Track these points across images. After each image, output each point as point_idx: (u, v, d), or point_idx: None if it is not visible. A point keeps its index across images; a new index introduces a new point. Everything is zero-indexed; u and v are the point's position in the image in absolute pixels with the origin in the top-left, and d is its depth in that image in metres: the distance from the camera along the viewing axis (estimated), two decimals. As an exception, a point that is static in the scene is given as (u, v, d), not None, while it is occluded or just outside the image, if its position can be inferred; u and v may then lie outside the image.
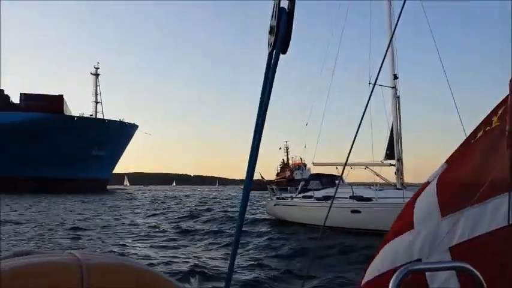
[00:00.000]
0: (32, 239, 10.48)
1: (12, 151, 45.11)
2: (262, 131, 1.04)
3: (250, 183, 1.08)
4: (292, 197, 14.48)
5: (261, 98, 1.05)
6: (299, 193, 14.55)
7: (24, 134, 45.13)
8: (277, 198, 15.13)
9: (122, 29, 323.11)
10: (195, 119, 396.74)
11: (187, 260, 7.82)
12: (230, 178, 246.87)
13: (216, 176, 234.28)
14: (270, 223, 14.39)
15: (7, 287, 0.73)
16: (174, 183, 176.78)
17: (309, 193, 13.62)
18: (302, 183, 15.44)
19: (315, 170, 16.30)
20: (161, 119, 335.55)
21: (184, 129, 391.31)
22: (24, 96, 49.66)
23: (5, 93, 49.99)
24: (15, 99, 50.36)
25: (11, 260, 0.81)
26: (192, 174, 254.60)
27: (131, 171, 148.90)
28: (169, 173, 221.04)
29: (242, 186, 1.15)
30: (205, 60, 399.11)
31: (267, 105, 1.05)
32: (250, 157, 1.06)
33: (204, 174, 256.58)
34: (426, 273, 1.37)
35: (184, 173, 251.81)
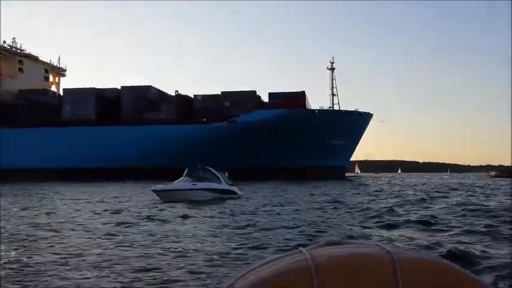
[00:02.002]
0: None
1: (263, 144, 51.61)
2: None
3: None
4: None
5: None
6: None
7: (272, 129, 51.15)
8: None
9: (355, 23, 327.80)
10: (428, 104, 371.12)
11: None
12: (463, 164, 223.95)
13: (446, 162, 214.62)
14: None
15: (326, 274, 0.79)
16: (399, 171, 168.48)
17: None
18: None
19: None
20: (392, 106, 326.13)
21: (416, 114, 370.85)
22: (271, 95, 56.16)
23: (257, 94, 57.53)
24: (265, 98, 57.41)
25: (324, 248, 0.87)
26: (421, 161, 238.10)
27: (360, 159, 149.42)
28: (394, 160, 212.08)
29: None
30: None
31: None
32: None
33: (434, 161, 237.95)
34: None
35: (412, 160, 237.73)
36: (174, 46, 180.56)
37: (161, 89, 61.74)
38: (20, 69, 67.68)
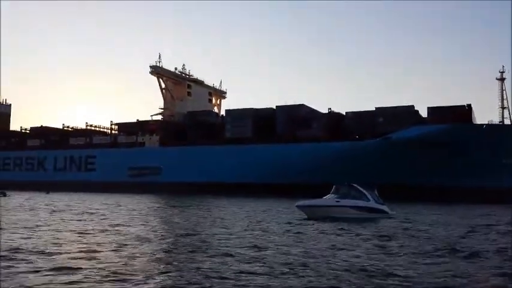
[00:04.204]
0: None
1: (420, 162, 48.11)
2: None
3: None
4: None
5: None
6: None
7: (432, 146, 47.43)
8: None
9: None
10: None
11: None
12: None
13: None
14: None
15: None
16: None
17: None
18: None
19: None
20: None
21: None
22: (431, 110, 52.41)
23: (415, 108, 54.30)
24: (423, 113, 53.89)
25: None
26: None
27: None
28: None
29: None
30: None
31: None
32: None
33: None
34: None
35: None
36: (326, 66, 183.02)
37: (314, 108, 62.63)
38: (189, 93, 75.78)
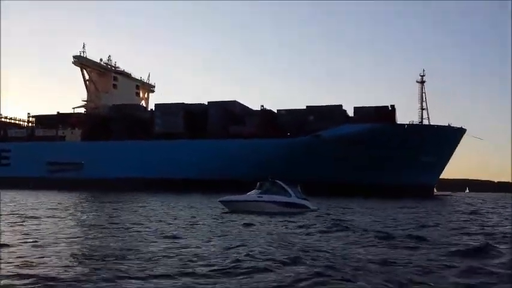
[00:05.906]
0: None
1: (348, 160, 49.91)
2: None
3: None
4: None
5: None
6: None
7: (358, 144, 49.36)
8: None
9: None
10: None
11: None
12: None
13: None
14: None
15: None
16: (467, 190, 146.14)
17: None
18: None
19: None
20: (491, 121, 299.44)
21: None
22: (357, 110, 54.60)
23: (343, 108, 56.22)
24: (350, 112, 56.00)
25: None
26: (495, 180, 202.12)
27: (451, 177, 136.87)
28: (464, 179, 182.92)
29: None
30: None
31: None
32: None
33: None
34: None
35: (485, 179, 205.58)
36: (259, 63, 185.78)
37: (246, 105, 62.62)
38: (114, 85, 72.29)
